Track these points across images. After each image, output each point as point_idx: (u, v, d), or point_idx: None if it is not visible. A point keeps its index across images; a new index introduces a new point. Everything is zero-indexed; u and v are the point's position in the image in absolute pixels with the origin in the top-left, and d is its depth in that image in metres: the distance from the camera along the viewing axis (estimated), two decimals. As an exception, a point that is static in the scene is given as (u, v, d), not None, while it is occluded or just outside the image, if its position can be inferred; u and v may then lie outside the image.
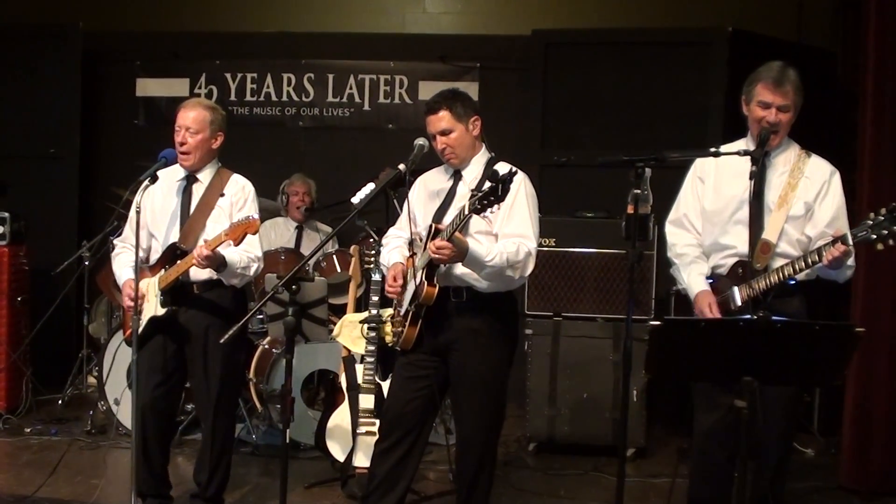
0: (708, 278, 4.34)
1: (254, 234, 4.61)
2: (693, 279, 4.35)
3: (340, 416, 5.66)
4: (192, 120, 4.91)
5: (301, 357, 6.19)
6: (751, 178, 4.04)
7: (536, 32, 7.73)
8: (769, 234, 4.17)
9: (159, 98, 8.53)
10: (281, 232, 7.47)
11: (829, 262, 3.93)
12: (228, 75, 8.54)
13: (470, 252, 4.19)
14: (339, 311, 6.43)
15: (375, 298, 5.45)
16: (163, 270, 4.87)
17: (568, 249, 6.42)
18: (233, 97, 8.51)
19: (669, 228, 4.56)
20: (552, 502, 5.69)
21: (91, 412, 6.72)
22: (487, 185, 3.96)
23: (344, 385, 5.67)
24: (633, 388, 6.13)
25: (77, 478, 5.73)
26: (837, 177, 4.27)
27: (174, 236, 4.92)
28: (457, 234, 4.12)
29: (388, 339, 4.66)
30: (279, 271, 6.50)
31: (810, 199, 4.21)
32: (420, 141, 4.47)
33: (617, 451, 4.32)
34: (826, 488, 5.82)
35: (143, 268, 4.92)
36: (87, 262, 6.97)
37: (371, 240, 6.22)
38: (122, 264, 5.07)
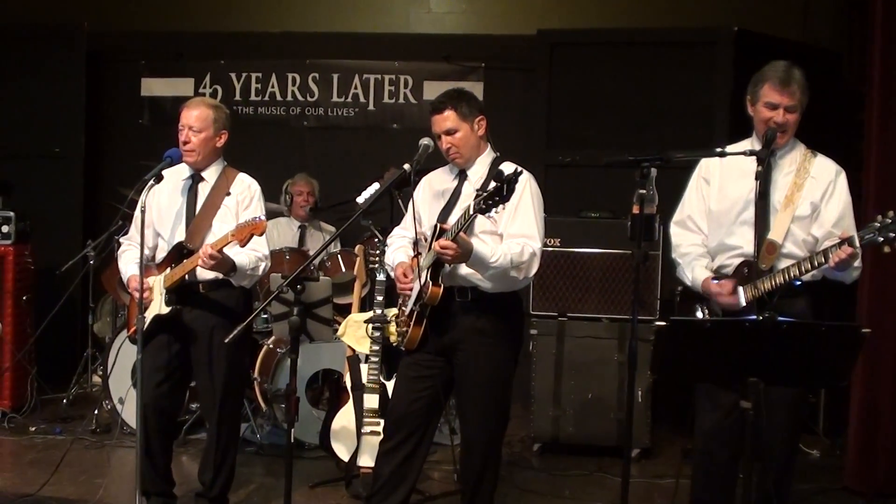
0: (713, 279, 4.33)
1: (260, 235, 4.60)
2: (697, 271, 4.34)
3: (345, 416, 5.65)
4: (196, 118, 4.92)
5: (305, 357, 6.19)
6: (756, 179, 4.03)
7: (541, 32, 7.72)
8: (775, 234, 4.16)
9: (164, 98, 8.54)
10: (284, 232, 7.47)
11: (835, 263, 3.92)
12: (233, 75, 8.55)
13: (474, 253, 4.18)
14: (344, 310, 6.42)
15: (380, 298, 5.46)
16: (169, 269, 4.87)
17: (573, 250, 6.41)
18: (237, 97, 8.52)
19: (674, 229, 4.55)
20: (556, 503, 5.68)
21: (95, 411, 6.72)
22: (492, 184, 3.95)
23: (348, 385, 5.67)
24: (638, 389, 6.13)
25: (81, 477, 5.74)
26: (843, 177, 4.26)
27: (180, 235, 4.92)
28: (461, 234, 4.11)
29: (393, 338, 4.65)
30: (284, 271, 6.50)
31: (816, 200, 4.20)
32: (425, 141, 4.47)
33: (622, 452, 4.33)
34: (831, 489, 5.82)
35: (149, 265, 4.93)
36: (91, 262, 6.97)
37: (376, 240, 6.25)
38: (128, 261, 5.08)
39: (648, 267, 6.12)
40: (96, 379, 7.35)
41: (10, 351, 6.88)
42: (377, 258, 5.68)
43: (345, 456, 5.64)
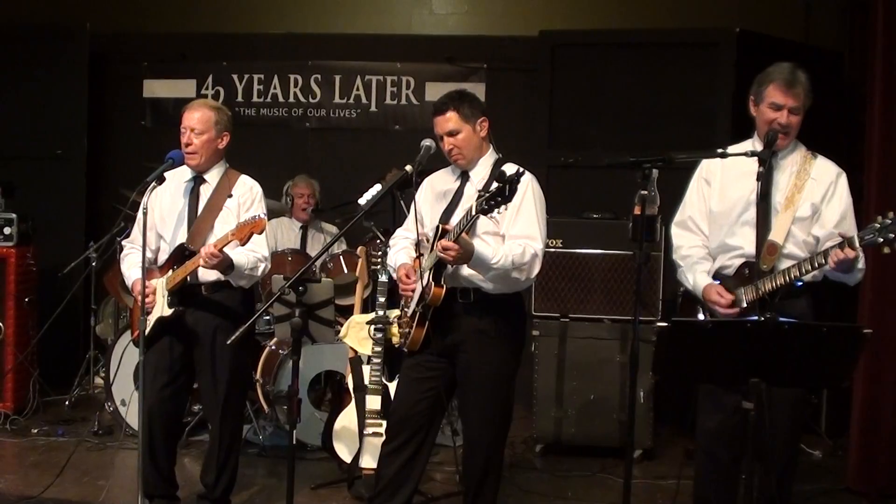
0: (714, 279, 4.33)
1: (260, 233, 4.61)
2: (698, 276, 4.34)
3: (347, 418, 5.66)
4: (197, 121, 4.92)
5: (308, 358, 6.19)
6: (758, 180, 4.03)
7: (543, 33, 7.72)
8: (776, 235, 4.16)
9: (166, 99, 8.53)
10: (285, 233, 7.47)
11: (834, 263, 3.91)
12: (235, 76, 8.55)
13: (475, 254, 4.18)
14: (346, 312, 6.43)
15: (382, 299, 5.46)
16: (171, 271, 4.88)
17: (575, 250, 6.41)
18: (240, 98, 8.52)
19: (675, 230, 4.55)
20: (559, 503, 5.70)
21: (98, 413, 6.73)
22: (494, 185, 3.95)
23: (351, 386, 5.67)
24: (640, 390, 6.12)
25: (84, 479, 5.74)
26: (844, 178, 4.26)
27: (182, 237, 4.93)
28: (463, 235, 4.12)
29: (395, 340, 4.67)
30: (286, 272, 6.51)
31: (817, 201, 4.20)
32: (427, 142, 4.47)
33: (624, 453, 4.32)
34: (833, 490, 5.81)
35: (151, 268, 4.93)
36: (94, 263, 6.97)
37: (378, 241, 6.24)
38: (131, 265, 5.08)
39: (650, 268, 6.12)
40: (98, 381, 7.36)
41: (12, 353, 6.87)
42: (379, 259, 5.68)
43: (347, 457, 5.64)
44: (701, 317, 4.30)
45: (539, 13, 8.12)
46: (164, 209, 5.01)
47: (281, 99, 8.53)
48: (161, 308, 4.88)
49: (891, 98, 5.61)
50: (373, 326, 5.46)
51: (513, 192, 3.90)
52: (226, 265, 4.75)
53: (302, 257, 6.99)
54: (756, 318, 3.85)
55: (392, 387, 5.35)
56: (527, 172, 4.17)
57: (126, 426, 6.44)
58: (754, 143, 4.29)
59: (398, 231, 4.87)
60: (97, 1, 8.50)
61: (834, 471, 6.11)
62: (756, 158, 4.08)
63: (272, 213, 6.92)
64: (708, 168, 4.43)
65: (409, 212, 4.79)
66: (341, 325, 5.85)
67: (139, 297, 4.81)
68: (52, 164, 8.06)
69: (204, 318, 4.92)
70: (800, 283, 4.07)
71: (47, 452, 6.27)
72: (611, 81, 7.60)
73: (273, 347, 6.57)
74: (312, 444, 6.24)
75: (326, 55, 8.50)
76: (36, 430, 6.66)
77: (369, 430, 5.46)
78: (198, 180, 5.02)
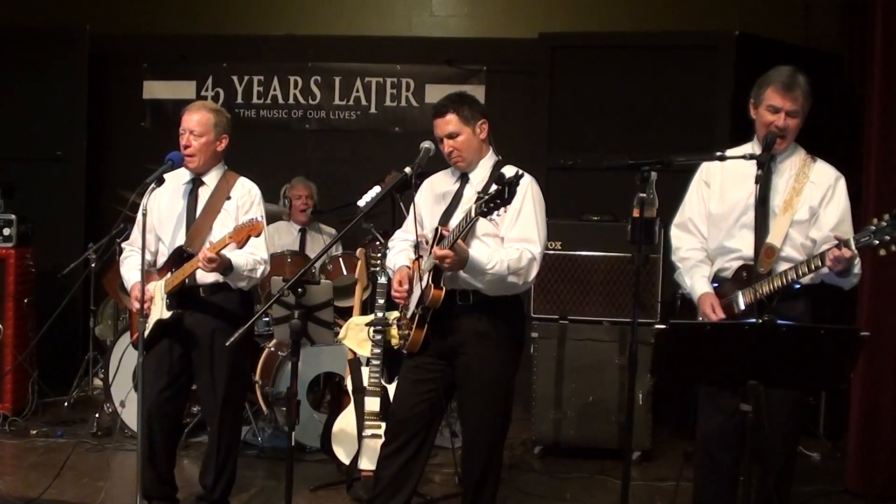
0: (712, 282, 4.33)
1: (258, 236, 4.61)
2: (696, 282, 4.35)
3: (346, 420, 5.66)
4: (196, 123, 4.93)
5: (307, 360, 6.19)
6: (756, 183, 4.04)
7: (543, 36, 7.74)
8: (774, 238, 4.16)
9: (166, 101, 8.54)
10: (284, 235, 7.47)
11: (831, 262, 3.91)
12: (235, 78, 8.56)
13: (471, 260, 4.18)
14: (345, 314, 6.43)
15: (381, 301, 5.46)
16: (169, 273, 4.88)
17: (574, 253, 6.42)
18: (239, 100, 8.53)
19: (674, 232, 4.55)
20: (557, 506, 5.70)
21: (97, 414, 6.72)
22: (493, 187, 3.96)
23: (350, 388, 5.68)
24: (639, 392, 6.14)
25: (83, 480, 5.74)
26: (842, 182, 4.26)
27: (180, 239, 4.93)
28: (459, 241, 4.12)
29: (395, 342, 4.66)
30: (285, 274, 6.50)
31: (815, 204, 4.20)
32: (426, 144, 4.48)
33: (622, 455, 4.32)
34: (832, 492, 5.82)
35: (150, 271, 4.93)
36: (93, 265, 6.98)
37: (377, 243, 6.24)
38: (130, 267, 5.08)
39: (649, 270, 6.13)
40: (97, 382, 7.35)
41: (11, 354, 6.88)
42: (378, 261, 5.68)
43: (346, 459, 5.64)
44: (700, 318, 4.30)
45: (539, 15, 8.14)
46: (162, 211, 5.02)
47: (281, 100, 8.54)
48: (160, 310, 4.88)
49: (889, 100, 5.62)
50: (372, 328, 5.46)
51: (512, 194, 3.90)
52: (224, 267, 4.75)
53: (301, 259, 6.99)
54: (754, 320, 3.86)
55: (391, 389, 5.35)
56: (526, 175, 4.17)
57: (125, 427, 6.45)
58: (754, 146, 4.29)
59: (397, 233, 4.87)
60: (97, 2, 8.52)
61: (832, 473, 6.11)
62: (755, 161, 4.08)
63: (271, 217, 6.93)
64: (708, 170, 4.43)
65: (408, 214, 4.79)
66: (340, 327, 5.85)
67: (137, 304, 4.82)
68: (51, 165, 8.07)
69: (202, 320, 4.93)
70: (797, 286, 4.07)
71: (46, 454, 6.27)
72: (610, 84, 7.61)
73: (272, 349, 6.58)
74: (311, 446, 6.24)
75: (326, 57, 8.51)
76: (35, 432, 6.66)
77: (368, 432, 5.46)
78: (196, 182, 5.02)
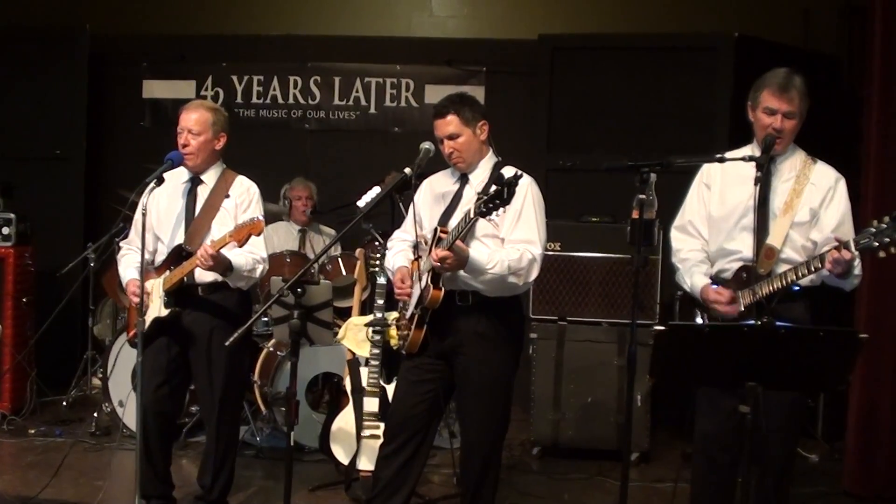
0: (712, 283, 4.33)
1: (258, 235, 4.61)
2: (696, 279, 4.35)
3: (345, 420, 5.66)
4: (195, 122, 4.93)
5: (305, 360, 6.16)
6: (755, 184, 4.04)
7: (543, 37, 7.74)
8: (774, 239, 4.17)
9: (165, 100, 8.53)
10: (284, 236, 7.47)
11: (830, 264, 3.91)
12: (235, 78, 8.56)
13: (471, 260, 4.19)
14: (345, 314, 6.43)
15: (380, 302, 5.46)
16: (168, 272, 4.88)
17: (573, 254, 6.42)
18: (239, 99, 8.52)
19: (674, 234, 4.55)
20: (556, 506, 5.71)
21: (95, 414, 6.73)
22: (493, 188, 3.96)
23: (348, 388, 5.68)
24: (638, 393, 6.13)
25: (81, 479, 5.75)
26: (843, 183, 4.26)
27: (179, 238, 4.93)
28: (458, 242, 4.12)
29: (394, 342, 4.67)
30: (285, 274, 6.50)
31: (815, 206, 4.20)
32: (426, 145, 4.48)
33: (621, 456, 4.32)
34: (830, 494, 5.83)
35: (148, 269, 4.93)
36: (92, 264, 6.97)
37: (376, 243, 6.24)
38: (127, 265, 5.08)
39: (648, 271, 6.14)
40: (96, 381, 7.34)
41: (9, 353, 6.88)
42: (378, 262, 5.68)
43: (344, 459, 5.64)
44: (699, 320, 4.30)
45: (538, 17, 8.13)
46: (161, 210, 5.02)
47: (280, 100, 8.54)
48: (158, 309, 4.89)
49: (888, 103, 5.62)
50: (371, 328, 5.47)
51: (511, 194, 3.91)
52: (223, 266, 4.75)
53: (300, 259, 6.99)
54: (753, 322, 3.86)
55: (390, 389, 5.36)
56: (525, 175, 4.17)
57: (123, 427, 6.45)
58: (753, 149, 4.28)
59: (396, 233, 4.87)
60: (97, 2, 8.53)
61: (831, 474, 6.11)
62: (755, 163, 4.08)
63: (271, 216, 6.94)
64: (708, 172, 4.43)
65: (407, 214, 4.79)
66: (339, 327, 5.86)
67: (133, 297, 4.83)
68: (50, 164, 8.07)
69: (201, 319, 4.93)
70: (796, 287, 4.07)
71: (45, 453, 6.28)
72: (610, 85, 7.61)
73: (271, 349, 6.58)
74: (310, 446, 6.24)
75: (326, 57, 8.51)
76: (33, 431, 6.67)
77: (367, 432, 5.47)
78: (195, 181, 5.02)
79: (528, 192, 4.36)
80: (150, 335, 4.85)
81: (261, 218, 4.61)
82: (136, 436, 4.65)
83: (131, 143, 8.42)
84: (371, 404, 5.51)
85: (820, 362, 3.48)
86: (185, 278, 4.83)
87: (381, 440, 4.70)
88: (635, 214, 4.10)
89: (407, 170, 4.40)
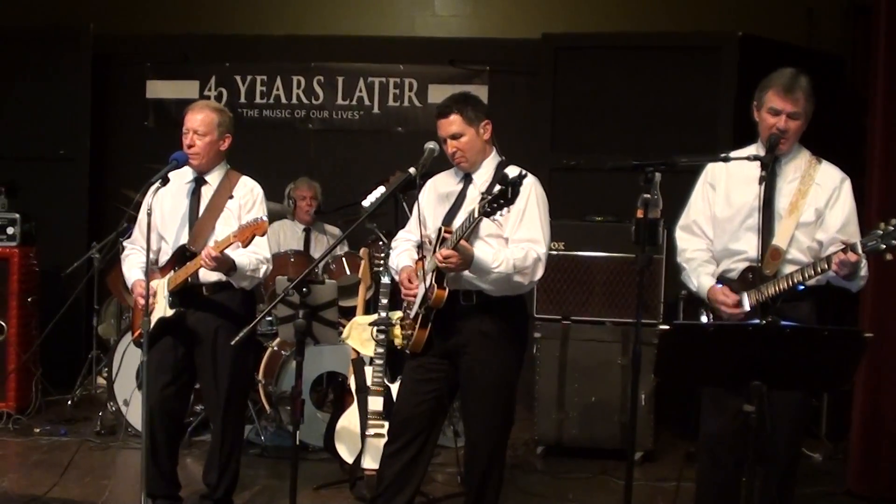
0: (717, 283, 4.33)
1: (262, 235, 4.62)
2: (703, 280, 4.35)
3: (349, 419, 5.67)
4: (200, 122, 4.93)
5: (310, 359, 6.19)
6: (760, 184, 4.04)
7: (546, 36, 7.74)
8: (779, 240, 4.16)
9: (169, 100, 8.55)
10: (288, 235, 7.48)
11: (836, 266, 3.91)
12: (238, 78, 8.57)
13: (476, 260, 4.19)
14: (349, 313, 6.44)
15: (385, 301, 5.47)
16: (172, 272, 4.89)
17: (577, 253, 6.42)
18: (242, 99, 8.54)
19: (679, 234, 4.55)
20: (560, 506, 5.71)
21: (100, 413, 6.74)
22: (497, 188, 3.96)
23: (353, 387, 5.68)
24: (642, 392, 6.13)
25: (87, 478, 5.75)
26: (848, 183, 4.26)
27: (183, 238, 4.94)
28: (462, 242, 4.12)
29: (398, 341, 4.67)
30: (289, 274, 6.51)
31: (821, 206, 4.19)
32: (430, 145, 4.48)
33: (625, 455, 4.33)
34: (834, 493, 5.82)
35: (152, 269, 4.94)
36: (96, 264, 6.99)
37: (381, 243, 6.25)
38: (132, 265, 5.09)
39: (652, 271, 6.14)
40: (101, 381, 7.36)
41: (15, 352, 6.89)
42: (382, 261, 5.69)
43: (349, 458, 5.65)
44: (703, 319, 4.30)
45: (542, 16, 8.14)
46: (165, 210, 5.02)
47: (284, 100, 8.55)
48: (162, 309, 4.89)
49: (893, 102, 5.61)
50: (375, 328, 5.47)
51: (515, 194, 3.91)
52: (227, 266, 4.76)
53: (305, 259, 7.00)
54: (758, 321, 3.86)
55: (394, 388, 5.36)
56: (529, 175, 4.18)
57: (128, 426, 6.46)
58: (758, 148, 4.28)
59: (400, 233, 4.87)
60: (101, 2, 8.53)
61: (834, 474, 6.11)
62: (759, 163, 4.08)
63: (274, 216, 6.95)
64: (713, 172, 4.43)
65: (411, 214, 4.79)
66: (344, 327, 5.86)
67: (139, 298, 4.84)
68: (55, 164, 8.09)
69: (205, 319, 4.94)
70: (801, 287, 4.07)
71: (50, 452, 6.29)
72: (613, 85, 7.62)
73: (275, 348, 6.59)
74: (314, 445, 6.25)
75: (329, 57, 8.52)
76: (39, 430, 6.68)
77: (371, 431, 5.47)
78: (199, 181, 5.03)
79: (531, 191, 4.36)
80: (155, 335, 4.85)
81: (264, 218, 4.61)
82: (142, 435, 4.66)
83: (135, 143, 8.44)
84: (375, 403, 5.51)
85: (824, 362, 3.48)
86: (190, 278, 4.84)
87: (386, 439, 4.70)
88: (639, 214, 4.11)
89: (411, 170, 4.39)
